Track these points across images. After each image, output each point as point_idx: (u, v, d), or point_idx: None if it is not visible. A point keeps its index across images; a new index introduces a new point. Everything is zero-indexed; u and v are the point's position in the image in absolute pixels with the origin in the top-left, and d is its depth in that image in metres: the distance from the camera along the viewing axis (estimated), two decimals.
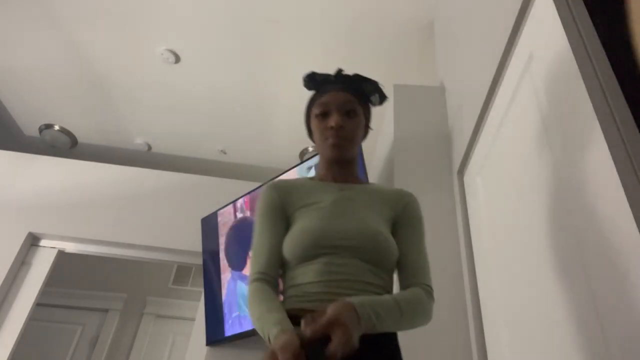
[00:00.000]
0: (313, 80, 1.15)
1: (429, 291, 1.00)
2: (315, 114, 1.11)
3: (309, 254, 0.97)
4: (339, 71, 1.14)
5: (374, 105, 1.18)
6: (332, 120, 1.07)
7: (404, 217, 1.09)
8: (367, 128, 1.19)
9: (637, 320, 0.76)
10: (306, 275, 0.96)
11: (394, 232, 1.07)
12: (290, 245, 1.00)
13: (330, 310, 0.79)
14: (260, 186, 2.54)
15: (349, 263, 0.96)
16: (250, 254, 1.05)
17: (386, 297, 0.92)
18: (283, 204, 1.08)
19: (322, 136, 1.09)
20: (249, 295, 0.97)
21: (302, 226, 1.01)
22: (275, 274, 1.01)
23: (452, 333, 1.53)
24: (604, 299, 0.85)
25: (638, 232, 0.76)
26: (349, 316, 0.79)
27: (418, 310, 0.95)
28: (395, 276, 1.07)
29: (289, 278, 1.01)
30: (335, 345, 0.74)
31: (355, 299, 0.84)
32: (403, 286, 1.02)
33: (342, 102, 1.09)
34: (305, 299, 0.94)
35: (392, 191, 1.14)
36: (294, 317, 0.89)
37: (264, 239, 1.03)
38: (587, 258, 0.91)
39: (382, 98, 1.17)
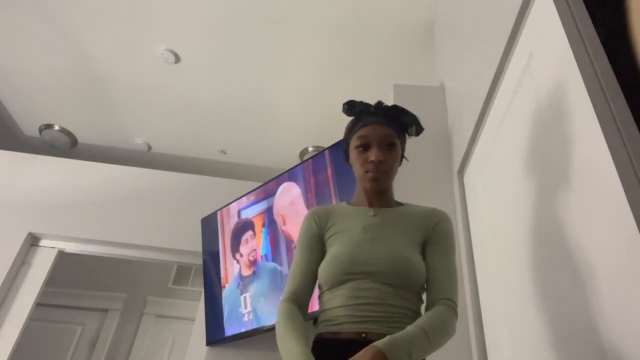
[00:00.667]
0: (352, 109, 1.18)
1: (452, 307, 1.03)
2: (356, 146, 1.15)
3: (337, 280, 1.05)
4: (379, 103, 1.18)
5: (410, 136, 1.22)
6: (373, 155, 1.10)
7: (434, 236, 1.13)
8: (402, 157, 1.23)
9: (638, 321, 0.76)
10: (334, 300, 1.04)
11: (424, 252, 1.12)
12: (322, 272, 1.09)
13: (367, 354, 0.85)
14: (260, 186, 2.54)
15: (374, 287, 1.02)
16: (287, 274, 1.16)
17: (412, 329, 0.95)
18: (321, 230, 1.16)
19: (362, 168, 1.13)
20: (279, 313, 1.06)
21: (333, 253, 1.09)
22: (306, 297, 1.11)
23: None
24: (605, 299, 0.85)
25: (638, 232, 0.76)
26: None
27: (444, 332, 0.99)
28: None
29: (321, 303, 1.10)
30: None
31: (385, 345, 0.88)
32: (429, 302, 1.07)
33: (383, 135, 1.13)
34: (332, 323, 1.02)
35: (424, 212, 1.18)
36: (325, 341, 1.01)
37: (300, 263, 1.13)
38: (587, 258, 0.91)
39: (419, 130, 1.20)
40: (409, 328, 0.96)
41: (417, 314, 1.04)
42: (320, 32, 2.69)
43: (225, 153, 3.70)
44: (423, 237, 1.12)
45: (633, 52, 0.88)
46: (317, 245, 1.15)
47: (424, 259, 1.09)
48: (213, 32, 2.73)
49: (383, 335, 0.92)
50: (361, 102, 1.18)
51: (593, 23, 1.03)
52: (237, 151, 3.67)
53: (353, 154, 1.16)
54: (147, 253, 3.03)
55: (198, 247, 2.86)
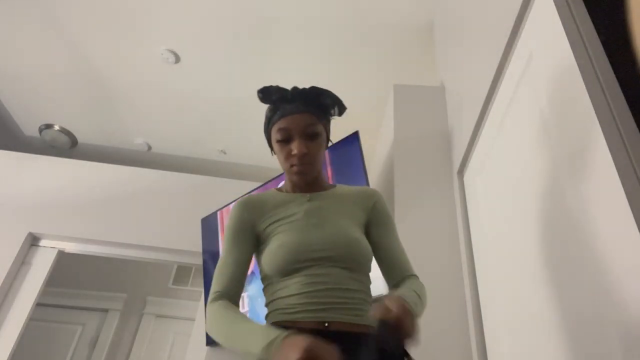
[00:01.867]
0: (268, 96, 1.11)
1: (419, 279, 1.09)
2: (277, 140, 1.09)
3: (289, 268, 0.99)
4: (295, 88, 1.11)
5: (333, 117, 1.16)
6: (295, 147, 1.06)
7: (375, 216, 1.14)
8: (328, 141, 1.18)
9: (638, 320, 0.76)
10: (288, 288, 0.98)
11: (367, 232, 1.12)
12: (270, 262, 1.02)
13: (394, 300, 0.83)
14: (260, 186, 2.54)
15: (329, 272, 0.98)
16: (214, 272, 1.05)
17: (409, 292, 0.97)
18: (253, 222, 1.09)
19: (287, 162, 1.09)
20: (210, 315, 0.95)
21: (280, 242, 1.03)
22: (237, 292, 1.01)
23: (452, 333, 1.53)
24: (604, 299, 0.85)
25: (638, 232, 0.76)
26: (408, 307, 0.84)
27: (425, 297, 1.02)
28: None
29: (270, 293, 1.03)
30: (407, 329, 0.79)
31: (406, 298, 0.88)
32: (395, 280, 1.07)
33: (304, 125, 1.07)
34: (287, 312, 0.96)
35: (358, 191, 1.17)
36: (284, 325, 0.91)
37: (229, 258, 1.04)
38: (587, 258, 0.91)
39: (341, 109, 1.14)
40: (403, 291, 0.98)
41: (370, 298, 1.03)
42: (320, 32, 2.69)
43: (225, 153, 3.70)
44: (366, 218, 1.12)
45: (633, 52, 0.88)
46: (248, 238, 1.07)
47: (370, 240, 1.09)
48: (213, 32, 2.73)
49: (345, 324, 0.92)
50: (277, 88, 1.11)
51: (593, 23, 1.03)
52: (237, 151, 3.67)
53: (275, 147, 1.11)
54: (147, 253, 3.03)
55: (198, 247, 2.86)
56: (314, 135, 1.08)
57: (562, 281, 1.01)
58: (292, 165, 1.08)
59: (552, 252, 1.06)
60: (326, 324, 0.92)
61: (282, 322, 0.95)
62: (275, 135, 1.09)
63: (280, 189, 1.18)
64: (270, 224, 1.08)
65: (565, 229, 1.00)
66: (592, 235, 0.90)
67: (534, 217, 1.17)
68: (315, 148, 1.08)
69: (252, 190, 2.58)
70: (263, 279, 1.07)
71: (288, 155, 1.08)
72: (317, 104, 1.10)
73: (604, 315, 0.85)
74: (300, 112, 1.07)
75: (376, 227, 1.12)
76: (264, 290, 1.07)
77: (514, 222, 1.30)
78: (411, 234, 1.70)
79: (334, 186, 1.20)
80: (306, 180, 1.11)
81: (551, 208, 1.08)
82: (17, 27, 2.78)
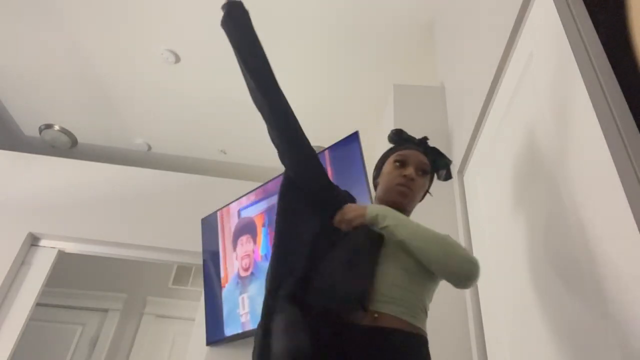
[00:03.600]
0: (398, 136, 1.25)
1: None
2: (394, 160, 1.18)
3: None
4: (425, 138, 1.26)
5: (438, 179, 1.27)
6: (408, 171, 1.15)
7: None
8: (426, 193, 1.25)
9: (638, 320, 0.76)
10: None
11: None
12: None
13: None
14: (260, 186, 2.54)
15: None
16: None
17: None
18: None
19: (394, 180, 1.15)
20: None
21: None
22: None
23: (452, 333, 1.53)
24: (604, 299, 0.85)
25: (638, 232, 0.76)
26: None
27: (443, 242, 1.02)
28: None
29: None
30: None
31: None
32: None
33: (421, 161, 1.17)
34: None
35: None
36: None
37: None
38: (587, 258, 0.91)
39: (448, 176, 1.26)
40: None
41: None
42: (320, 32, 2.69)
43: (225, 153, 3.70)
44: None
45: (633, 52, 0.88)
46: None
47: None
48: (213, 32, 2.72)
49: (395, 319, 0.94)
50: (407, 134, 1.26)
51: (593, 23, 1.03)
52: (237, 151, 3.67)
53: (388, 167, 1.19)
54: (147, 253, 3.03)
55: (198, 247, 2.86)
56: (425, 172, 1.18)
57: (562, 281, 1.01)
58: (398, 184, 1.14)
59: (552, 252, 1.06)
60: (376, 315, 0.94)
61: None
62: (393, 158, 1.19)
63: None
64: None
65: (565, 229, 1.00)
66: (592, 235, 0.90)
67: (533, 217, 1.17)
68: (421, 183, 1.17)
69: (252, 190, 2.58)
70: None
71: (398, 176, 1.15)
72: (433, 159, 1.22)
73: (604, 314, 0.85)
74: (421, 152, 1.20)
75: None
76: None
77: (514, 222, 1.30)
78: None
79: None
80: (402, 203, 1.15)
81: (551, 208, 1.08)
82: (17, 27, 2.78)
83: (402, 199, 1.14)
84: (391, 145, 1.27)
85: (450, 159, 1.92)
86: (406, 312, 0.96)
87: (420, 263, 1.01)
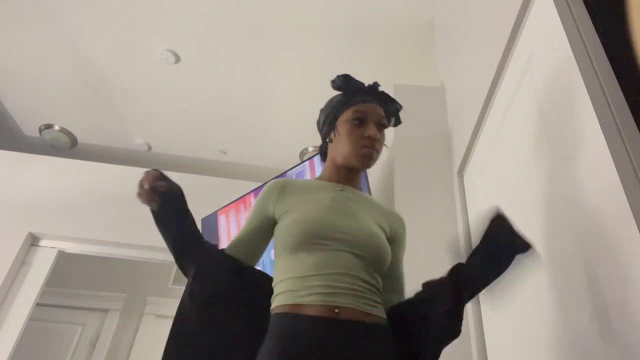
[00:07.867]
0: (346, 83, 1.15)
1: None
2: (350, 119, 1.09)
3: (304, 244, 0.96)
4: (376, 84, 1.16)
5: (388, 125, 1.20)
6: (371, 131, 1.06)
7: (401, 238, 1.14)
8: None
9: (639, 320, 0.76)
10: (302, 267, 0.94)
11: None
12: (286, 234, 1.00)
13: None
14: (260, 186, 2.54)
15: (345, 258, 0.95)
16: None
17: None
18: (278, 202, 1.08)
19: (356, 143, 1.07)
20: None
21: (298, 216, 1.01)
22: (240, 251, 1.07)
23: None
24: (605, 299, 0.85)
25: (638, 232, 0.76)
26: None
27: None
28: None
29: (281, 272, 0.99)
30: None
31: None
32: (390, 290, 1.06)
33: (380, 114, 1.10)
34: (300, 293, 0.92)
35: (389, 209, 1.18)
36: (289, 316, 0.91)
37: (244, 227, 1.10)
38: (587, 258, 0.91)
39: (397, 122, 1.20)
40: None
41: (381, 297, 0.99)
42: (320, 32, 2.69)
43: (225, 153, 3.69)
44: (389, 232, 1.10)
45: (633, 52, 0.88)
46: (264, 217, 1.08)
47: None
48: (213, 32, 2.73)
49: (356, 312, 0.89)
50: (357, 80, 1.15)
51: (593, 23, 1.03)
52: (237, 151, 3.67)
53: (345, 127, 1.09)
54: (147, 253, 3.02)
55: None
56: (383, 127, 1.11)
57: (562, 281, 1.01)
58: (362, 147, 1.06)
59: (552, 252, 1.06)
60: (336, 310, 0.88)
61: (288, 308, 0.92)
62: (348, 116, 1.09)
63: (316, 179, 1.18)
64: (294, 204, 1.06)
65: (564, 229, 1.00)
66: (592, 235, 0.90)
67: (533, 217, 1.17)
68: (382, 139, 1.11)
69: (252, 191, 2.57)
70: (276, 258, 1.03)
71: (360, 136, 1.07)
72: (387, 107, 1.15)
73: (604, 314, 0.85)
74: (376, 104, 1.12)
75: (396, 244, 1.11)
76: (274, 271, 1.03)
77: (514, 222, 1.29)
78: (411, 234, 1.69)
79: (367, 194, 1.22)
80: (368, 166, 1.10)
81: (551, 208, 1.08)
82: (17, 27, 2.78)
83: (368, 162, 1.08)
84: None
85: (450, 159, 1.94)
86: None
87: None
